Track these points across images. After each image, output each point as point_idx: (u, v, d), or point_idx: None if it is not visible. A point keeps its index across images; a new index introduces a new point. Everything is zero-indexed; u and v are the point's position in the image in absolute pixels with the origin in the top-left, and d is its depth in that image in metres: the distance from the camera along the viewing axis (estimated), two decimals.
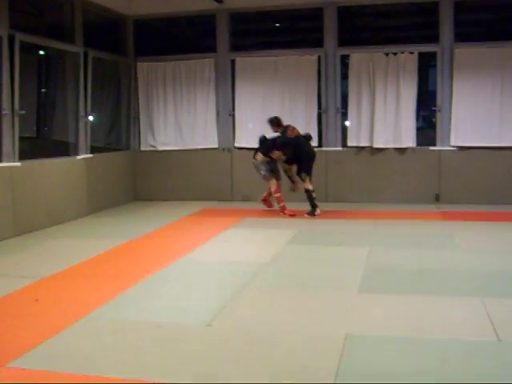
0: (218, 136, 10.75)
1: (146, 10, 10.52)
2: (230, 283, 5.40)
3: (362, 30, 11.41)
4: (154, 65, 10.93)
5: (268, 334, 4.11)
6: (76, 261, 6.25)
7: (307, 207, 8.86)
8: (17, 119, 7.80)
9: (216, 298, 4.92)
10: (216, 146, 10.76)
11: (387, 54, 9.96)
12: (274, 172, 8.99)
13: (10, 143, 7.73)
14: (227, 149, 10.72)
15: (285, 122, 9.10)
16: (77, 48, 9.23)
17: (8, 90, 7.67)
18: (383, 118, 10.00)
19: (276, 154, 8.82)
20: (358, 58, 10.10)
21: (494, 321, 4.21)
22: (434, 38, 9.82)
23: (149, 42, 11.25)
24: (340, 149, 10.30)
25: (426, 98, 10.73)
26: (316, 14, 10.26)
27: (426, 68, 10.69)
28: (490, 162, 9.67)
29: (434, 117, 10.13)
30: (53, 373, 3.51)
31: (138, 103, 11.07)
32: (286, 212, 8.89)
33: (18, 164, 7.80)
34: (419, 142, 10.01)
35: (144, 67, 10.98)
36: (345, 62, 10.30)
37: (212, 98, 10.73)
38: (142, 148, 11.12)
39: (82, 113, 9.35)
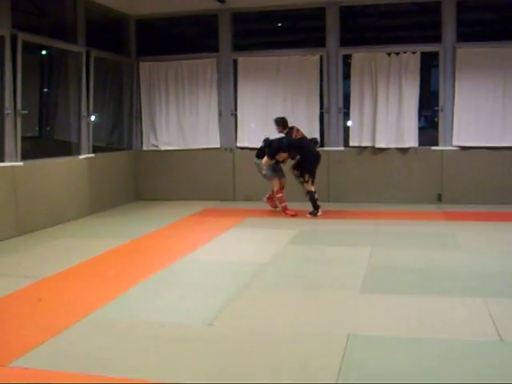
0: (220, 136, 10.75)
1: (149, 9, 10.52)
2: (232, 283, 5.41)
3: (364, 30, 11.40)
4: (156, 65, 10.93)
5: (270, 334, 4.11)
6: (78, 261, 6.26)
7: (309, 207, 8.85)
8: (19, 119, 7.81)
9: (218, 298, 4.92)
10: (218, 146, 10.76)
11: (389, 54, 9.95)
12: (275, 171, 8.97)
13: (13, 143, 7.74)
14: (229, 149, 10.72)
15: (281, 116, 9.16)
16: (79, 48, 9.23)
17: (10, 90, 7.68)
18: (385, 118, 9.99)
19: (282, 156, 8.79)
20: (361, 57, 10.09)
21: (495, 320, 4.21)
22: (437, 38, 9.81)
23: (151, 41, 11.26)
24: (342, 149, 10.29)
25: (429, 98, 10.73)
26: (318, 13, 10.26)
27: (429, 68, 10.69)
28: (492, 162, 9.66)
29: (436, 117, 10.13)
30: (55, 372, 3.51)
31: (140, 103, 11.08)
32: (287, 212, 8.89)
33: (21, 164, 7.81)
34: (421, 142, 10.00)
35: (146, 67, 10.99)
36: (347, 61, 10.30)
37: (214, 97, 10.74)
38: (144, 148, 11.13)
39: (84, 112, 9.36)
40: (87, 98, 9.43)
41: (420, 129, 10.14)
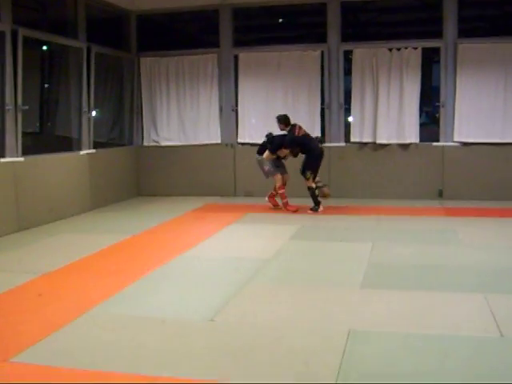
0: (221, 131, 10.75)
1: (149, 5, 10.49)
2: (233, 279, 5.40)
3: (365, 26, 11.39)
4: (157, 60, 10.92)
5: (270, 330, 4.11)
6: (78, 256, 6.26)
7: (310, 203, 8.85)
8: (20, 114, 7.80)
9: (219, 294, 4.92)
10: (219, 142, 10.75)
11: (391, 50, 9.93)
12: (278, 167, 8.96)
13: (13, 138, 7.73)
14: (230, 144, 10.71)
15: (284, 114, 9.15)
16: (80, 43, 9.22)
17: (11, 86, 7.67)
18: (386, 114, 9.98)
19: (284, 152, 8.79)
20: (362, 53, 10.07)
21: (496, 317, 4.20)
22: (438, 34, 9.79)
23: (152, 37, 11.24)
24: (343, 144, 10.29)
25: (430, 94, 10.72)
26: (319, 9, 10.24)
27: (430, 63, 10.69)
28: (494, 157, 9.65)
29: (438, 112, 10.13)
30: (55, 368, 3.52)
31: (141, 98, 11.06)
32: (288, 208, 8.88)
33: (21, 159, 7.80)
34: (422, 138, 9.99)
35: (147, 62, 10.97)
36: (348, 57, 10.28)
37: (215, 93, 10.73)
38: (145, 143, 11.12)
39: (85, 108, 9.35)
40: (88, 94, 9.42)
41: (421, 124, 10.14)
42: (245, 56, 10.56)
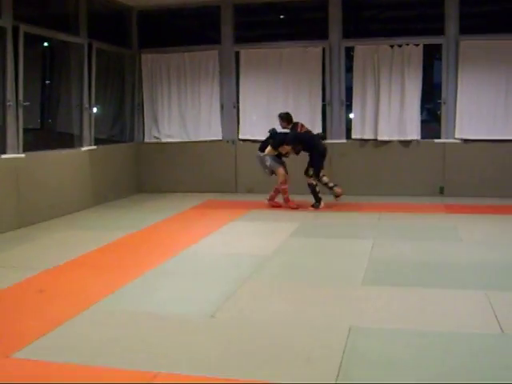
0: (222, 128, 10.75)
1: (151, 1, 10.48)
2: (234, 275, 5.40)
3: (367, 22, 11.36)
4: (158, 56, 10.91)
5: (271, 326, 4.12)
6: (80, 252, 6.26)
7: (312, 200, 8.85)
8: (21, 111, 7.80)
9: (219, 290, 4.92)
10: (220, 138, 10.75)
11: (392, 46, 9.92)
12: (279, 162, 8.92)
13: (14, 135, 7.74)
14: (231, 141, 10.71)
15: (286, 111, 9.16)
16: (81, 39, 9.22)
17: (12, 82, 7.67)
18: (388, 111, 9.98)
19: (285, 148, 8.75)
20: (363, 50, 10.06)
21: (497, 313, 4.21)
22: (440, 30, 9.78)
23: (153, 33, 11.23)
24: (344, 141, 10.28)
25: (431, 91, 10.70)
26: (321, 5, 10.24)
27: (432, 60, 10.66)
28: (495, 154, 9.65)
29: (439, 109, 10.11)
30: (57, 363, 3.52)
31: (142, 95, 11.06)
32: (289, 204, 8.86)
33: (22, 156, 7.81)
34: (424, 135, 9.99)
35: (148, 59, 10.97)
36: (349, 54, 10.27)
37: (216, 89, 10.72)
38: (146, 140, 11.13)
39: (86, 104, 9.35)
40: (89, 90, 9.42)
41: (422, 121, 10.12)
42: (246, 52, 10.55)
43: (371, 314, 4.32)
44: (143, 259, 6.06)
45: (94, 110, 9.67)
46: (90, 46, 9.34)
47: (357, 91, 10.18)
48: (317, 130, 9.94)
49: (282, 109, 9.68)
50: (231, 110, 10.72)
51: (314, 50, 10.25)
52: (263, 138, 9.16)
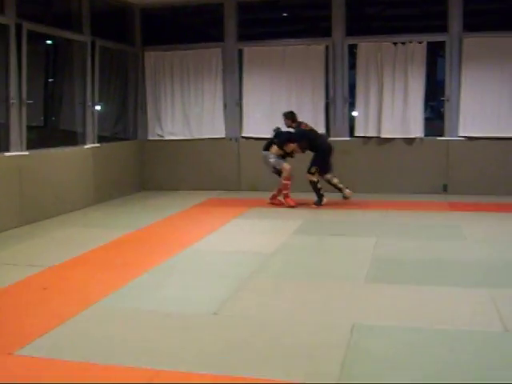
0: (226, 126, 10.74)
1: None
2: (237, 273, 5.41)
3: (370, 20, 11.34)
4: (161, 54, 10.91)
5: (274, 324, 4.12)
6: (83, 250, 6.27)
7: (314, 197, 8.84)
8: (24, 108, 7.81)
9: (223, 288, 4.92)
10: (223, 136, 10.75)
11: (395, 44, 9.90)
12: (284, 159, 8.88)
13: (18, 132, 7.74)
14: (234, 138, 10.70)
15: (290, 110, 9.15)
16: (84, 37, 9.22)
17: (15, 80, 7.67)
18: (391, 108, 9.96)
19: (291, 146, 8.72)
20: (366, 47, 10.04)
21: (501, 311, 4.20)
22: (443, 28, 9.75)
23: (156, 31, 11.23)
24: (347, 139, 10.27)
25: (435, 88, 10.69)
26: (324, 3, 10.21)
27: (435, 58, 10.64)
28: (499, 152, 9.62)
29: (443, 107, 10.09)
30: (60, 361, 3.53)
31: (146, 92, 11.06)
32: (288, 201, 8.76)
33: (26, 153, 7.82)
34: (427, 133, 9.97)
35: (151, 57, 10.96)
36: (353, 51, 10.26)
37: (219, 87, 10.71)
38: (150, 137, 11.12)
39: (89, 102, 9.36)
40: (92, 88, 9.42)
41: (426, 119, 10.12)
42: (249, 50, 10.54)
43: (374, 312, 4.32)
44: (146, 257, 6.07)
45: (98, 107, 9.67)
46: (93, 44, 9.34)
47: (360, 89, 10.16)
48: (320, 127, 9.91)
49: (286, 106, 9.67)
50: (234, 108, 10.72)
51: (318, 48, 10.23)
52: (266, 136, 9.14)
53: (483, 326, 3.98)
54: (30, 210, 7.86)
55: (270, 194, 9.12)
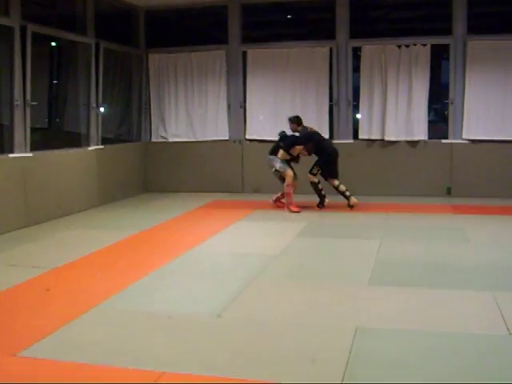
0: (229, 128, 10.75)
1: (158, 0, 10.49)
2: (240, 275, 5.40)
3: (374, 22, 11.33)
4: (165, 56, 10.93)
5: (278, 326, 4.11)
6: (87, 251, 6.28)
7: (317, 200, 8.83)
8: (28, 110, 7.83)
9: (226, 290, 4.92)
10: (227, 138, 10.75)
11: (399, 46, 9.90)
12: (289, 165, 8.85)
13: (22, 134, 7.76)
14: (238, 141, 10.71)
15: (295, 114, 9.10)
16: (88, 39, 9.24)
17: (20, 81, 7.70)
18: (395, 111, 9.95)
19: (297, 149, 8.68)
20: (370, 50, 10.05)
21: (504, 314, 4.19)
22: (447, 30, 9.75)
23: (160, 33, 11.24)
24: (351, 141, 10.26)
25: (439, 91, 10.67)
26: (328, 5, 10.22)
27: (439, 60, 10.62)
28: (503, 155, 9.61)
29: (447, 110, 10.08)
30: (63, 362, 3.53)
31: (149, 94, 11.08)
32: (291, 208, 8.72)
33: (30, 155, 7.84)
34: (431, 135, 9.97)
35: (155, 58, 10.98)
36: (357, 54, 10.26)
37: (223, 89, 10.72)
38: (153, 139, 11.14)
39: (93, 104, 9.38)
40: (96, 90, 9.44)
41: (430, 122, 10.10)
42: (253, 52, 10.55)
43: (378, 315, 4.31)
44: (150, 258, 6.07)
45: (102, 109, 9.69)
46: (97, 46, 9.37)
47: (364, 91, 10.16)
48: (324, 130, 9.90)
49: (289, 109, 9.68)
50: (238, 110, 10.73)
51: (322, 50, 10.24)
52: (270, 138, 9.14)
53: (487, 329, 3.97)
54: (34, 212, 7.87)
55: (274, 197, 9.11)
